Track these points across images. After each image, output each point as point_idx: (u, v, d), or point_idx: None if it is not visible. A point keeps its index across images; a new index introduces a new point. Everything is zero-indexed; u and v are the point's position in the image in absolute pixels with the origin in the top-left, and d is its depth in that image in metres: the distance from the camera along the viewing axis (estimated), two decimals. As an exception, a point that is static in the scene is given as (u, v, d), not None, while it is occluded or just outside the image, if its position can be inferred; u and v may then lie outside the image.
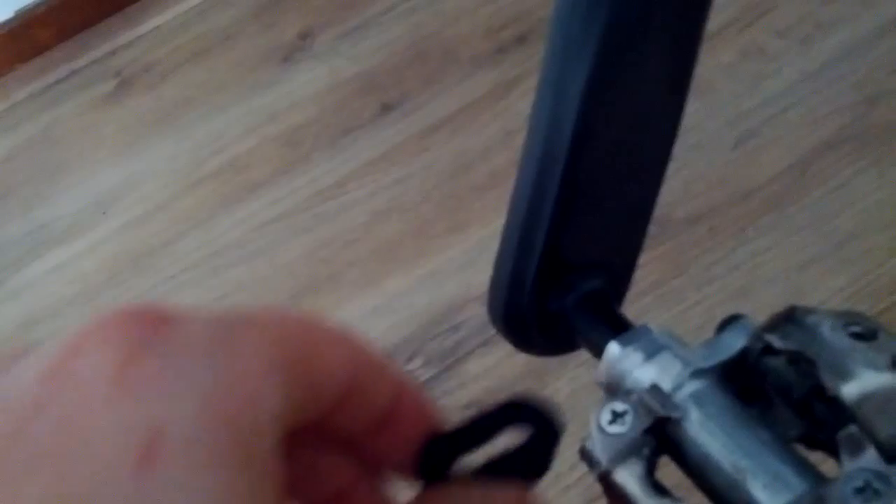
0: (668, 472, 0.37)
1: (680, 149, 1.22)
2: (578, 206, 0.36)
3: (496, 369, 0.96)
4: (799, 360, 0.38)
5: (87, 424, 0.14)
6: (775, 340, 0.39)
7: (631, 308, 1.02)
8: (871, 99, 1.07)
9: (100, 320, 0.15)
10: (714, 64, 1.12)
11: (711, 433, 0.37)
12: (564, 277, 0.39)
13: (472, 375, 0.96)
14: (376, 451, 0.20)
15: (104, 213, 1.22)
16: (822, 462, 0.34)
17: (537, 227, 0.36)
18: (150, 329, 0.15)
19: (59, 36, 1.42)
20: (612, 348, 0.36)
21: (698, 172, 1.04)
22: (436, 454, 0.20)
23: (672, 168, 1.21)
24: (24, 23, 1.39)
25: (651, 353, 0.38)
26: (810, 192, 1.00)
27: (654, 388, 0.38)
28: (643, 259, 1.04)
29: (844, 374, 0.36)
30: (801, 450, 0.37)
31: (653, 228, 1.13)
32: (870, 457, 0.35)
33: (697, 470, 0.37)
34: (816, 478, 0.35)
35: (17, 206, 1.26)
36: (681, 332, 0.38)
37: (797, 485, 0.36)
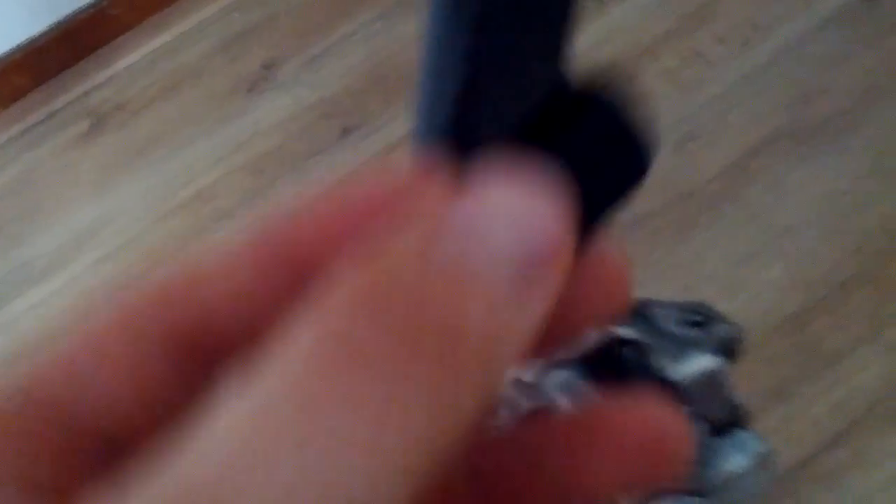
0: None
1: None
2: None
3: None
4: (646, 348, 0.41)
5: None
6: (623, 332, 0.42)
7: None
8: (807, 96, 1.10)
9: None
10: (655, 71, 1.16)
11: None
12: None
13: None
14: None
15: (79, 249, 1.27)
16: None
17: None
18: None
19: (35, 80, 1.46)
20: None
21: (640, 177, 1.06)
22: None
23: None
24: (1, 70, 1.44)
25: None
26: (747, 190, 1.03)
27: (517, 382, 0.42)
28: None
29: (676, 359, 0.40)
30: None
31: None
32: (700, 431, 0.38)
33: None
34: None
35: (-1, 247, 1.31)
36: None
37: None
